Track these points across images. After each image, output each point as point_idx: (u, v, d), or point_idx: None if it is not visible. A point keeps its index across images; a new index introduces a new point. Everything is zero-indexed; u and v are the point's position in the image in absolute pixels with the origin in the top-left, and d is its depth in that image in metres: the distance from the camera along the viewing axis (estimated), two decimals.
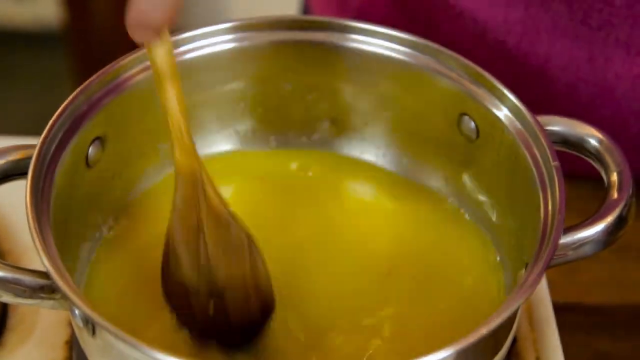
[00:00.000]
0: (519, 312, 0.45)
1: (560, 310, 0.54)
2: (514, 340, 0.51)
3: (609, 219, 0.43)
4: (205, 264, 0.45)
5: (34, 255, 0.52)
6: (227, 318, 0.46)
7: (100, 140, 0.48)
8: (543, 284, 0.53)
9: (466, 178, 0.52)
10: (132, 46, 1.13)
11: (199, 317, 0.46)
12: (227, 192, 0.53)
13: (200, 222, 0.45)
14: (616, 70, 0.57)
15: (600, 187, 0.46)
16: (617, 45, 0.56)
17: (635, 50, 0.56)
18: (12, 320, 0.51)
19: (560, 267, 0.57)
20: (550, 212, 0.43)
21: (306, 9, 0.77)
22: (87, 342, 0.42)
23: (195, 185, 0.44)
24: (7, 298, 0.41)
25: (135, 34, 0.41)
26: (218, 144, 0.55)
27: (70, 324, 0.51)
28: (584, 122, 0.47)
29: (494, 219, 0.51)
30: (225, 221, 0.45)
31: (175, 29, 0.50)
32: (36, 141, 0.45)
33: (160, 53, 0.42)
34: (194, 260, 0.45)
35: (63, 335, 0.50)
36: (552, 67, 0.58)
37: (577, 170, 0.56)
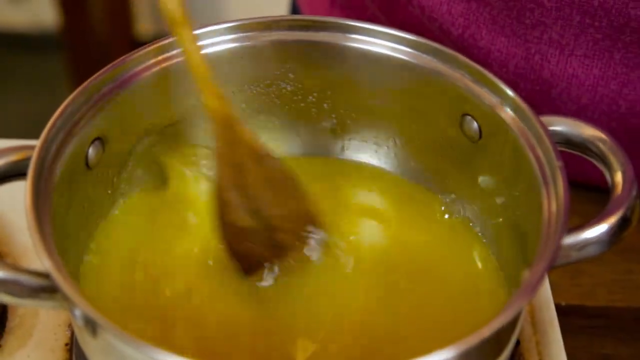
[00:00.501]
0: (522, 314, 0.44)
1: (563, 312, 0.53)
2: (517, 343, 0.50)
3: (613, 220, 0.43)
4: (254, 202, 0.47)
5: (33, 257, 0.52)
6: (282, 249, 0.48)
7: (100, 141, 0.48)
8: (546, 286, 0.53)
9: (469, 179, 0.52)
10: (129, 48, 1.13)
11: (258, 253, 0.47)
12: None
13: (243, 163, 0.46)
14: (551, 69, 0.57)
15: (602, 193, 0.46)
16: (551, 44, 0.56)
17: (568, 50, 0.56)
18: (12, 323, 0.51)
19: (564, 270, 0.57)
20: (554, 213, 0.42)
21: (294, 9, 0.77)
22: (88, 343, 0.42)
23: (232, 127, 0.46)
24: (6, 299, 0.41)
25: None
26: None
27: (69, 327, 0.50)
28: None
29: (496, 219, 0.50)
30: (265, 158, 0.47)
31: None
32: (35, 142, 0.44)
33: (172, 1, 0.44)
34: (244, 200, 0.46)
35: (63, 338, 0.50)
36: (492, 62, 0.59)
37: (578, 178, 0.56)
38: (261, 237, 0.47)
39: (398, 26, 0.51)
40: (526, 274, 0.42)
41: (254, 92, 0.54)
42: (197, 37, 0.45)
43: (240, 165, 0.46)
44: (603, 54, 0.55)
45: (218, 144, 0.46)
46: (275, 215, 0.47)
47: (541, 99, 0.59)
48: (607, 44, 0.55)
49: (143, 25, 1.81)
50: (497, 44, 0.58)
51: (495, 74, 0.48)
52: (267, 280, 0.48)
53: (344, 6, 0.68)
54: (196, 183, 0.53)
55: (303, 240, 0.48)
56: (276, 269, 0.48)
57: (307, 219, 0.48)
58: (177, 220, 0.51)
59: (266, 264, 0.48)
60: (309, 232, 0.49)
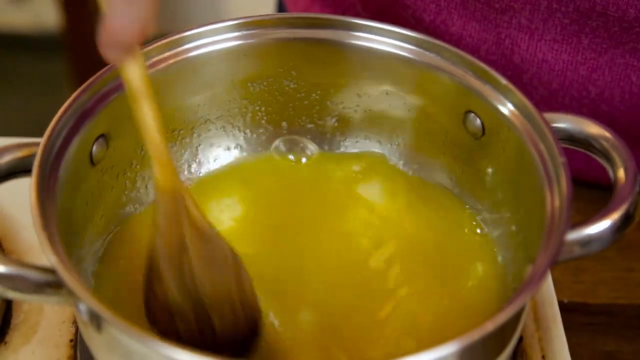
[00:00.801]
0: (525, 310, 0.45)
1: (566, 310, 0.53)
2: (520, 339, 0.50)
3: (616, 216, 0.43)
4: (190, 281, 0.44)
5: (37, 254, 0.52)
6: (214, 336, 0.45)
7: (104, 137, 0.48)
8: (549, 282, 0.53)
9: (472, 175, 0.52)
10: None
11: (186, 337, 0.45)
12: (231, 192, 0.53)
13: (184, 240, 0.44)
14: (522, 54, 0.57)
15: (602, 191, 0.46)
16: (521, 29, 0.56)
17: (538, 35, 0.56)
18: (16, 320, 0.51)
19: (566, 267, 0.57)
20: (557, 208, 0.43)
21: (280, 6, 0.77)
22: (93, 338, 0.42)
23: (176, 202, 0.44)
24: (12, 294, 0.41)
25: (108, 54, 0.40)
26: (222, 143, 0.55)
27: (74, 323, 0.51)
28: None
29: (499, 215, 0.50)
30: (208, 237, 0.45)
31: (174, 29, 0.50)
32: (40, 140, 0.44)
33: (133, 71, 0.42)
34: (179, 278, 0.44)
35: (67, 334, 0.50)
36: (464, 47, 0.58)
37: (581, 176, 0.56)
38: (189, 321, 0.45)
39: (373, 14, 0.50)
40: (529, 269, 0.42)
41: (257, 89, 0.54)
42: (157, 110, 0.42)
43: (179, 244, 0.44)
44: (571, 39, 0.55)
45: (161, 219, 0.44)
46: (206, 294, 0.45)
47: (513, 84, 0.59)
48: (574, 29, 0.55)
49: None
50: (469, 29, 0.58)
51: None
52: None
53: None
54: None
55: (234, 333, 0.46)
56: None
57: (243, 306, 0.46)
58: None
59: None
60: (243, 315, 0.46)
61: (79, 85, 0.47)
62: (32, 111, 1.72)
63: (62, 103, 0.46)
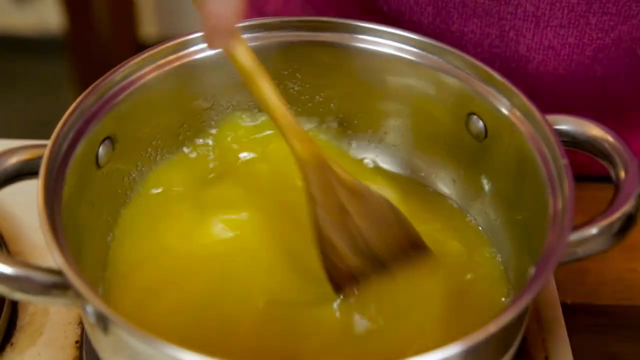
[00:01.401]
0: (528, 311, 0.45)
1: (568, 311, 0.54)
2: (524, 340, 0.51)
3: (618, 217, 0.43)
4: (362, 241, 0.46)
5: (43, 255, 0.53)
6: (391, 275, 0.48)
7: (110, 140, 0.49)
8: (552, 284, 0.53)
9: (475, 177, 0.52)
10: (133, 51, 1.13)
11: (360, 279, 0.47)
12: (237, 194, 0.54)
13: (342, 204, 0.45)
14: (527, 44, 0.57)
15: (607, 188, 0.46)
16: (526, 18, 0.56)
17: (544, 22, 0.56)
18: (22, 321, 0.51)
19: (569, 269, 0.57)
20: (559, 210, 0.43)
21: None
22: (99, 340, 0.42)
23: (324, 170, 0.45)
24: (19, 295, 0.41)
25: (214, 42, 0.42)
26: None
27: (79, 324, 0.51)
28: None
29: (502, 216, 0.51)
30: (362, 194, 0.46)
31: (180, 32, 0.51)
32: (46, 142, 0.45)
33: (242, 53, 0.43)
34: (350, 241, 0.46)
35: (73, 336, 0.50)
36: (466, 44, 0.59)
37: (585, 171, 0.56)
38: (364, 268, 0.47)
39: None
40: (532, 271, 0.42)
41: None
42: (274, 85, 0.44)
43: (341, 207, 0.45)
44: (578, 21, 0.55)
45: (315, 190, 0.45)
46: (378, 247, 0.47)
47: (518, 75, 0.59)
48: (582, 9, 0.55)
49: (147, 28, 1.81)
50: (470, 26, 0.58)
51: (470, 55, 0.48)
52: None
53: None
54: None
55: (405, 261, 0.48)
56: None
57: (410, 243, 0.48)
58: (193, 221, 0.52)
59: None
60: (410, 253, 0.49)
61: (82, 87, 0.48)
62: (35, 112, 1.73)
63: (65, 105, 0.46)
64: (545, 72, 0.58)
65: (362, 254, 0.47)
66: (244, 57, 0.43)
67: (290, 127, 0.44)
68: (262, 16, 0.67)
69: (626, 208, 0.43)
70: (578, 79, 0.58)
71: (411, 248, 0.48)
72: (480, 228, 0.52)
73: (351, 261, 0.46)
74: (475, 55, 0.51)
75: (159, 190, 0.53)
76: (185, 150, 0.54)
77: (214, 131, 0.55)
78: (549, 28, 0.56)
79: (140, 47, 1.63)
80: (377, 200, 0.47)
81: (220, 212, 0.52)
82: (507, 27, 0.57)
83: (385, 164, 0.56)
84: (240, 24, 0.51)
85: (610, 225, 0.43)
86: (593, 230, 0.43)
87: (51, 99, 1.75)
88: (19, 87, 1.83)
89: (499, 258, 0.51)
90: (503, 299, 0.49)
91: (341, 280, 0.47)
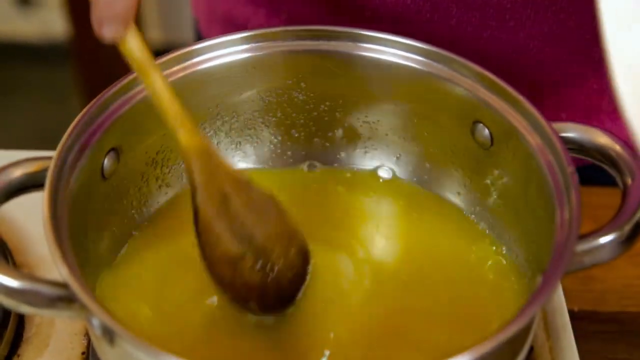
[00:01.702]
0: (536, 319, 0.45)
1: (576, 318, 0.53)
2: (531, 348, 0.51)
3: (625, 227, 0.43)
4: (243, 230, 0.46)
5: (49, 267, 0.53)
6: (275, 275, 0.47)
7: (115, 151, 0.49)
8: (559, 292, 0.53)
9: (481, 185, 0.52)
10: None
11: (250, 283, 0.46)
12: None
13: (225, 191, 0.45)
14: (528, 31, 0.57)
15: (615, 194, 0.46)
16: (526, 5, 0.56)
17: (543, 7, 0.56)
18: (28, 333, 0.51)
19: (575, 276, 0.57)
20: (566, 219, 0.43)
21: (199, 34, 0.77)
22: (105, 352, 0.42)
23: (207, 157, 0.45)
24: (25, 308, 0.41)
25: (105, 32, 0.41)
26: (232, 156, 0.56)
27: (85, 335, 0.51)
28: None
29: (509, 226, 0.51)
30: (245, 184, 0.46)
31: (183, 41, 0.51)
32: (51, 153, 0.45)
33: (134, 44, 0.43)
34: (232, 229, 0.46)
35: (79, 347, 0.50)
36: (463, 37, 0.58)
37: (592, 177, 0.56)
38: (252, 265, 0.47)
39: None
40: (539, 280, 0.42)
41: (266, 101, 0.54)
42: (164, 77, 0.44)
43: (222, 195, 0.46)
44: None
45: (198, 177, 0.45)
46: (263, 238, 0.47)
47: (519, 63, 0.58)
48: None
49: (152, 34, 1.81)
50: (469, 17, 0.57)
51: (468, 46, 0.48)
52: (265, 309, 0.48)
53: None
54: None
55: (293, 265, 0.48)
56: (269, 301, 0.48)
57: (295, 241, 0.48)
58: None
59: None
60: (297, 253, 0.48)
61: (87, 94, 0.48)
62: (40, 119, 1.73)
63: (70, 112, 0.46)
64: (545, 62, 0.58)
65: (245, 242, 0.46)
66: (135, 48, 0.42)
67: (176, 116, 0.44)
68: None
69: (634, 218, 0.43)
70: (579, 60, 0.59)
71: (292, 245, 0.48)
72: (489, 235, 0.52)
73: (233, 248, 0.46)
74: (473, 45, 0.50)
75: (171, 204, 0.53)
76: None
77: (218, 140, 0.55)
78: (549, 12, 0.56)
79: None
80: (261, 193, 0.47)
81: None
82: (507, 16, 0.57)
83: (391, 172, 0.56)
84: (245, 34, 0.51)
85: (618, 234, 0.43)
86: (600, 239, 0.43)
87: (56, 106, 1.75)
88: (23, 93, 1.84)
89: (508, 266, 0.51)
90: (512, 309, 0.48)
91: (222, 270, 0.46)
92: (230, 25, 0.70)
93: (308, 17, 0.64)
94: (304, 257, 0.49)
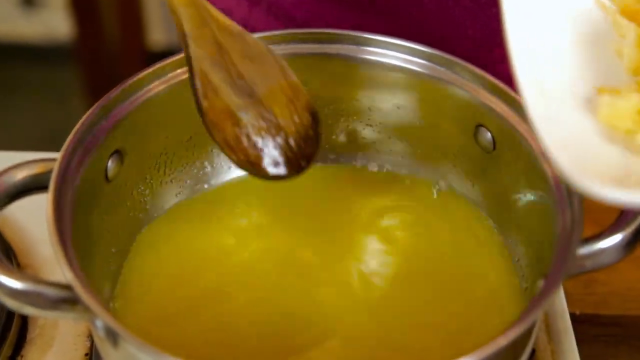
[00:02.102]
0: (537, 323, 0.45)
1: (578, 321, 0.54)
2: (533, 352, 0.51)
3: (627, 230, 0.43)
4: (241, 80, 0.45)
5: (53, 269, 0.53)
6: (284, 134, 0.46)
7: (119, 153, 0.49)
8: (561, 295, 0.53)
9: (484, 189, 0.52)
10: (141, 59, 1.13)
11: (256, 143, 0.45)
12: (244, 205, 0.54)
13: (218, 40, 0.44)
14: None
15: None
16: None
17: None
18: (32, 334, 0.51)
19: (577, 279, 0.57)
20: (568, 223, 0.43)
21: None
22: (109, 354, 0.42)
23: (197, 6, 0.44)
24: (29, 310, 0.41)
25: None
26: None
27: (89, 337, 0.51)
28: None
29: (512, 229, 0.51)
30: (239, 33, 0.45)
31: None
32: (55, 155, 0.45)
33: None
34: (229, 79, 0.45)
35: (82, 348, 0.51)
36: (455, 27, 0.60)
37: None
38: (256, 121, 0.45)
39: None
40: (541, 284, 0.42)
41: None
42: None
43: (217, 44, 0.44)
44: None
45: (187, 25, 0.44)
46: (264, 90, 0.45)
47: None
48: None
49: (155, 36, 1.82)
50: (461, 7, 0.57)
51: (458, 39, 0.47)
52: (278, 168, 0.46)
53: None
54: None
55: (300, 122, 0.47)
56: (280, 159, 0.46)
57: (298, 94, 0.47)
58: (210, 241, 0.52)
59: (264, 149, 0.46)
60: (303, 113, 0.47)
61: (91, 95, 0.48)
62: (43, 120, 1.73)
63: (74, 113, 0.47)
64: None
65: (243, 92, 0.45)
66: None
67: None
68: None
69: (635, 221, 0.43)
70: None
71: (297, 99, 0.47)
72: (491, 240, 0.52)
73: (231, 100, 0.45)
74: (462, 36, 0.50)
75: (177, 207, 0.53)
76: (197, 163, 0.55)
77: None
78: None
79: (148, 55, 1.63)
80: (257, 43, 0.46)
81: (229, 215, 0.53)
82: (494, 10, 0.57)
83: (394, 175, 0.56)
84: None
85: (619, 238, 0.43)
86: (602, 244, 0.43)
87: (60, 107, 1.75)
88: (27, 94, 1.84)
89: (511, 269, 0.51)
90: (514, 311, 0.48)
91: (221, 123, 0.45)
92: None
93: (287, 5, 0.65)
94: (313, 115, 0.47)
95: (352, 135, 0.56)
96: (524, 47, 0.41)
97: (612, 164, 0.39)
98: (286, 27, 0.65)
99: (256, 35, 0.51)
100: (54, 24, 1.87)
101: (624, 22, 0.44)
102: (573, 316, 0.53)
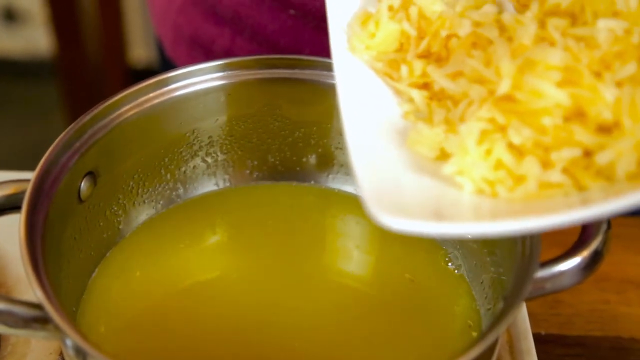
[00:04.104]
0: (499, 344, 0.46)
1: (542, 342, 0.55)
2: None
3: (585, 253, 0.45)
4: None
5: (25, 288, 0.53)
6: None
7: (92, 174, 0.50)
8: (524, 316, 0.54)
9: None
10: (123, 74, 1.14)
11: None
12: (214, 227, 0.55)
13: None
14: None
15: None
16: None
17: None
18: (4, 352, 0.52)
19: (544, 300, 0.58)
20: (527, 247, 0.44)
21: (167, 62, 0.79)
22: None
23: None
24: (0, 328, 0.42)
25: None
26: (206, 179, 0.57)
27: (60, 355, 0.52)
28: None
29: (473, 253, 0.52)
30: None
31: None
32: (28, 175, 0.46)
33: None
34: None
35: None
36: None
37: None
38: None
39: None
40: (501, 306, 0.43)
41: (242, 126, 0.55)
42: None
43: None
44: None
45: None
46: None
47: None
48: None
49: (136, 52, 1.83)
50: None
51: None
52: None
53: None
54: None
55: None
56: None
57: None
58: (180, 259, 0.53)
59: None
60: None
61: (72, 111, 0.49)
62: (25, 136, 1.73)
63: (55, 128, 0.48)
64: None
65: None
66: None
67: None
68: (210, 54, 0.69)
69: (593, 244, 0.45)
70: None
71: None
72: (455, 263, 0.53)
73: None
74: None
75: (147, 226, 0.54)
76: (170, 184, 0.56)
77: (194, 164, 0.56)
78: None
79: (129, 71, 1.64)
80: None
81: (207, 249, 0.54)
82: None
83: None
84: (221, 62, 0.53)
85: (578, 261, 0.44)
86: (561, 266, 0.44)
87: (40, 121, 1.76)
88: (8, 109, 1.84)
89: (473, 292, 0.52)
90: (473, 333, 0.49)
91: None
92: (195, 45, 0.71)
93: (270, 33, 0.66)
94: None
95: (323, 158, 0.57)
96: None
97: (417, 193, 0.40)
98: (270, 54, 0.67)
99: (228, 60, 0.52)
100: (36, 39, 1.87)
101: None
102: (538, 336, 0.54)
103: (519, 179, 0.39)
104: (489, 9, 0.45)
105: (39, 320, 0.42)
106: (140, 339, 0.49)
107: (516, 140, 0.39)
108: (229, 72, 0.53)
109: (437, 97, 0.44)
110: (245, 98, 0.54)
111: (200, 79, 0.52)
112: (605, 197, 0.36)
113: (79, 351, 0.41)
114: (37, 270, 0.41)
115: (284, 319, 0.49)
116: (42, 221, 0.45)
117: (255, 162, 0.57)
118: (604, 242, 0.45)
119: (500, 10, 0.45)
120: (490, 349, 0.44)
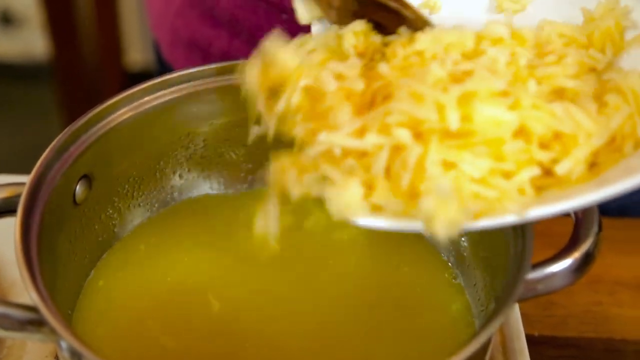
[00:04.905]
0: (491, 344, 0.46)
1: (535, 343, 0.55)
2: None
3: (576, 255, 0.45)
4: None
5: (21, 291, 0.54)
6: None
7: (87, 178, 0.50)
8: (517, 317, 0.55)
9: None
10: (119, 78, 1.14)
11: None
12: (209, 230, 0.55)
13: None
14: None
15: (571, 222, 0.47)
16: None
17: None
18: (0, 354, 0.52)
19: (537, 301, 0.59)
20: (519, 249, 0.44)
21: (164, 65, 0.79)
22: None
23: None
24: None
25: None
26: (201, 183, 0.57)
27: (55, 357, 0.52)
28: None
29: (467, 256, 0.52)
30: None
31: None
32: (24, 179, 0.46)
33: None
34: None
35: None
36: None
37: None
38: None
39: None
40: (493, 307, 0.43)
41: (237, 130, 0.55)
42: None
43: None
44: None
45: None
46: None
47: None
48: None
49: (133, 55, 1.83)
50: None
51: None
52: None
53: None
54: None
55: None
56: None
57: None
58: (168, 261, 0.53)
59: None
60: None
61: (68, 114, 0.49)
62: (21, 139, 1.73)
63: (51, 130, 0.48)
64: None
65: None
66: None
67: None
68: (208, 57, 0.70)
69: (584, 246, 0.45)
70: None
71: None
72: (446, 268, 0.53)
73: None
74: None
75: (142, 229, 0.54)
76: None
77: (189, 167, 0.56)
78: None
79: (126, 74, 1.64)
80: None
81: (202, 252, 0.54)
82: None
83: None
84: (216, 66, 0.53)
85: (569, 263, 0.45)
86: (552, 268, 0.45)
87: (37, 124, 1.76)
88: (4, 112, 1.84)
89: (466, 293, 0.52)
90: (470, 334, 0.50)
91: None
92: (193, 47, 0.72)
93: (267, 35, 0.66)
94: None
95: None
96: None
97: None
98: None
99: (223, 63, 0.53)
100: (32, 42, 1.87)
101: None
102: (532, 337, 0.55)
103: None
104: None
105: (34, 322, 0.42)
106: (136, 340, 0.49)
107: (476, 174, 0.39)
108: (224, 76, 0.53)
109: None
110: (239, 101, 0.54)
111: (195, 83, 0.53)
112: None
113: (74, 353, 0.41)
114: (33, 273, 0.42)
115: (281, 319, 0.50)
116: (37, 224, 0.45)
117: (250, 166, 0.57)
118: (595, 244, 0.46)
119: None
120: (483, 349, 0.44)
